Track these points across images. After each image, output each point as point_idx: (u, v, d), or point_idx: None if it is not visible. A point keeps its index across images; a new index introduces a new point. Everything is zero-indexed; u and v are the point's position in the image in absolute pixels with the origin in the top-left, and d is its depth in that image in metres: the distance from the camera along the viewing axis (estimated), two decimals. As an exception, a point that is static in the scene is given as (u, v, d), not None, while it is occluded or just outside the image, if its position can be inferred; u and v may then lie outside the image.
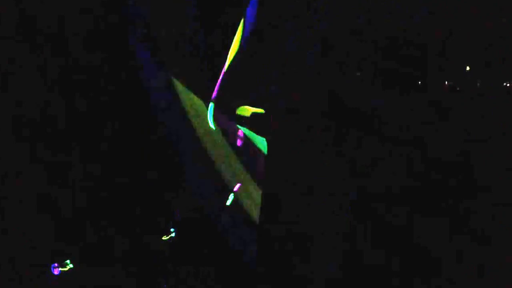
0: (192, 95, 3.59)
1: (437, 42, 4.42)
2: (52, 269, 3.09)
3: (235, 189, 3.59)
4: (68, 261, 3.11)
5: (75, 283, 3.14)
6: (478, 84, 4.52)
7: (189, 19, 3.59)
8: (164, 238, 3.48)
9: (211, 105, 3.48)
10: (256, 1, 3.35)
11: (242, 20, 3.36)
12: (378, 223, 4.01)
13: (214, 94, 3.44)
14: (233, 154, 3.76)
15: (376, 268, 3.72)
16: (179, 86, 3.56)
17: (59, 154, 3.31)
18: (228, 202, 3.55)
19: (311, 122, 4.21)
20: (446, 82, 4.55)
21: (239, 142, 3.71)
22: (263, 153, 3.73)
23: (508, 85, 4.42)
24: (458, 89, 4.54)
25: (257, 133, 3.66)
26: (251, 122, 3.62)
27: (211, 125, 3.57)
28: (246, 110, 3.73)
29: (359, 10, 4.29)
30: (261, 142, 3.69)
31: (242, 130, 3.69)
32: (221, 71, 3.47)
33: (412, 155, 4.32)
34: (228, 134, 3.68)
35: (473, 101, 4.48)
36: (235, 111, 3.63)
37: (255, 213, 3.72)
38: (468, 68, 4.54)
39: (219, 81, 3.36)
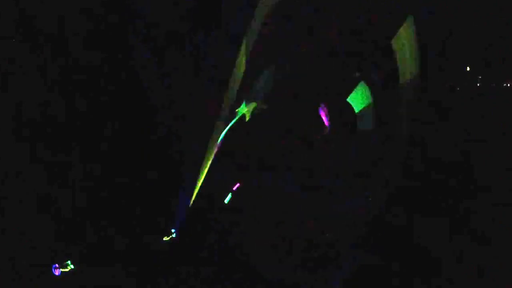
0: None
1: (437, 42, 4.43)
2: (53, 269, 3.07)
3: (234, 188, 3.59)
4: (69, 262, 3.10)
5: (75, 283, 3.12)
6: (478, 84, 4.52)
7: (189, 19, 3.58)
8: (165, 238, 3.47)
9: None
10: None
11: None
12: (378, 223, 4.01)
13: None
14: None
15: (376, 268, 3.72)
16: None
17: (59, 154, 3.29)
18: (226, 200, 3.54)
19: (311, 122, 4.21)
20: (446, 82, 4.55)
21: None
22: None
23: (508, 85, 4.42)
24: (458, 89, 4.54)
25: None
26: None
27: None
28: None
29: (359, 10, 4.29)
30: None
31: None
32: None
33: (412, 155, 4.33)
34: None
35: (473, 101, 4.49)
36: None
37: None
38: (468, 68, 4.54)
39: None
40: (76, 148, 3.34)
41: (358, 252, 3.73)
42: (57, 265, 3.09)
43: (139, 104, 3.50)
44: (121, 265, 3.26)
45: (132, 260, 3.31)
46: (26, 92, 3.23)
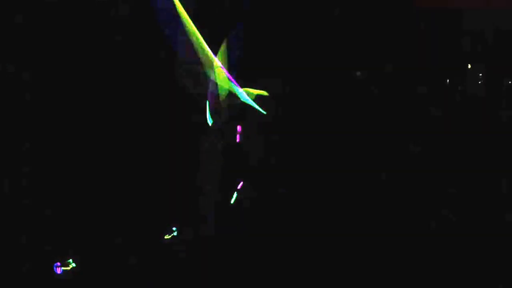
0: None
1: (437, 42, 4.42)
2: (55, 268, 3.07)
3: (238, 187, 3.57)
4: (70, 260, 3.10)
5: (77, 281, 3.13)
6: (479, 83, 4.51)
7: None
8: (166, 237, 3.46)
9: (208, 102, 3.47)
10: None
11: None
12: (378, 220, 4.01)
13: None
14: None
15: (375, 268, 3.71)
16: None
17: (58, 154, 3.29)
18: (232, 201, 3.53)
19: (312, 120, 4.21)
20: (449, 82, 4.54)
21: (238, 138, 3.68)
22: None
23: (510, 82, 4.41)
24: (459, 88, 4.54)
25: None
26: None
27: (209, 121, 3.55)
28: (251, 93, 3.71)
29: (359, 10, 4.29)
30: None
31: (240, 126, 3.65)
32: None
33: (412, 154, 4.32)
34: (225, 132, 3.66)
35: (473, 100, 4.48)
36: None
37: None
38: (469, 67, 4.53)
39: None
40: (76, 148, 3.35)
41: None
42: (59, 263, 3.08)
43: (140, 104, 3.50)
44: (122, 263, 3.27)
45: (133, 258, 3.31)
46: (26, 92, 3.23)
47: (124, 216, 3.39)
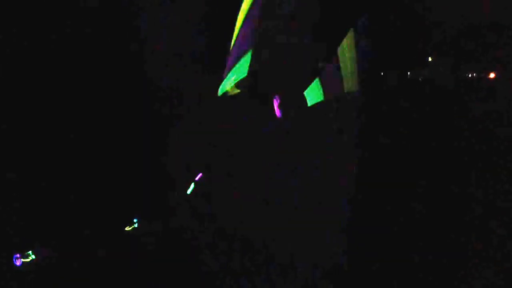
0: None
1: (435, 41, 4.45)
2: (14, 260, 3.01)
3: (196, 178, 3.45)
4: (30, 252, 3.03)
5: (37, 273, 3.09)
6: (448, 75, 4.53)
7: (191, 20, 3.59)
8: (127, 228, 3.40)
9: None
10: None
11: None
12: (378, 220, 4.01)
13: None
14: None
15: (376, 268, 3.71)
16: None
17: (57, 154, 3.31)
18: (189, 191, 3.41)
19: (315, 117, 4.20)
20: (417, 73, 4.57)
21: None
22: None
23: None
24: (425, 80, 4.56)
25: None
26: None
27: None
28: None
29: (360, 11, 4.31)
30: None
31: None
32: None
33: (411, 153, 4.33)
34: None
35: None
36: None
37: None
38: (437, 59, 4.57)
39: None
40: (75, 147, 3.35)
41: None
42: (18, 255, 3.04)
43: (140, 103, 3.51)
44: (84, 255, 3.20)
45: (94, 250, 3.24)
46: (26, 92, 3.23)
47: (90, 208, 3.34)
